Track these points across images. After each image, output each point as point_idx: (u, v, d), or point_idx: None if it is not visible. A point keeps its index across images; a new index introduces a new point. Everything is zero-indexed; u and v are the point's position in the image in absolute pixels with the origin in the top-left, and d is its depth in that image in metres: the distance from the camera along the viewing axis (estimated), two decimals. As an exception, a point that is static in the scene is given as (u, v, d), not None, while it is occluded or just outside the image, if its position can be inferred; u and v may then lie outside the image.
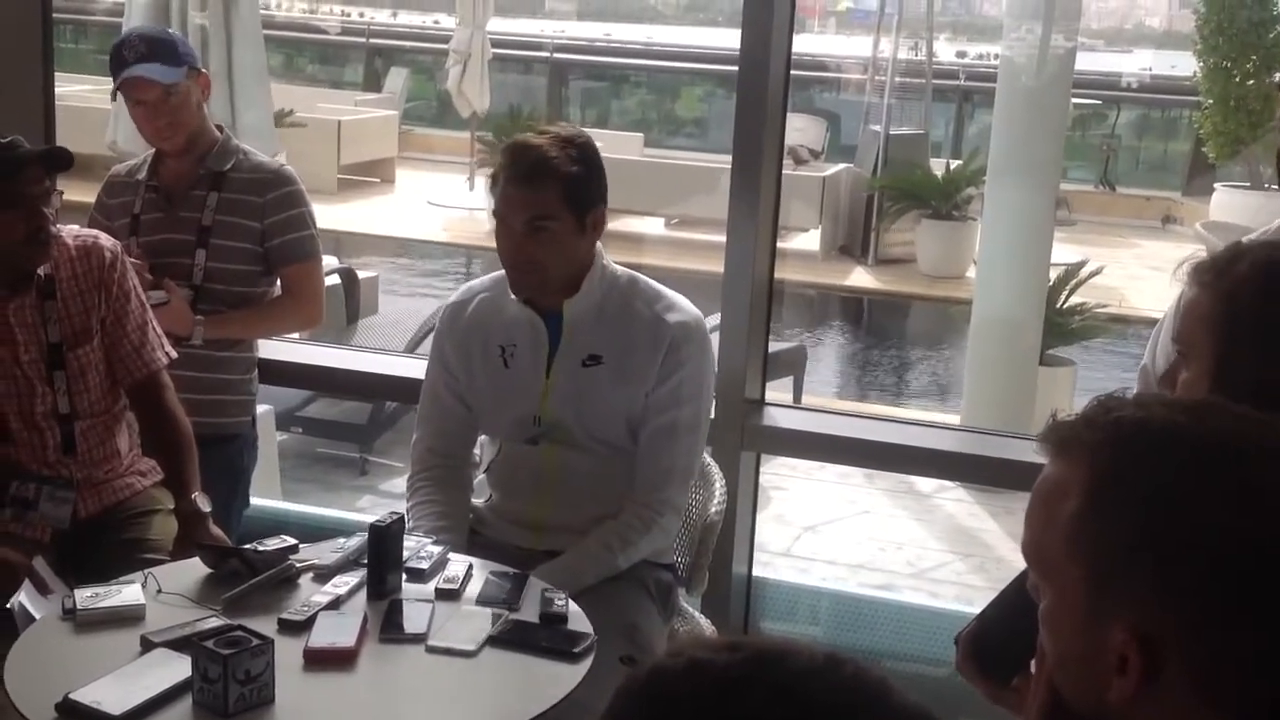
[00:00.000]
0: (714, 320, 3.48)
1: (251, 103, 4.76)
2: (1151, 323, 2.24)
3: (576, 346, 2.65)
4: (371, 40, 17.78)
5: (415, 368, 3.47)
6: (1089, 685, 1.12)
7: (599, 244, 2.68)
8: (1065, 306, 7.02)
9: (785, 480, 5.94)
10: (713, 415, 3.12)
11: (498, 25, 13.54)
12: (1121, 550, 1.09)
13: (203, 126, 3.26)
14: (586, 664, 2.14)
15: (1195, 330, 1.61)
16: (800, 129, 12.30)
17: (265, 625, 2.11)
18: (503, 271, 2.67)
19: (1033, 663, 1.23)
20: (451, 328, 2.77)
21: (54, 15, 3.87)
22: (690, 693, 0.93)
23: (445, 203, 12.55)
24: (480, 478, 2.82)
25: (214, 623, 2.12)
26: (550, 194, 2.55)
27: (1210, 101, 12.19)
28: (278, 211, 3.23)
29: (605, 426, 2.66)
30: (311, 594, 2.28)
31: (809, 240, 11.35)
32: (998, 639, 1.64)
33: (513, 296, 2.66)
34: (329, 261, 6.57)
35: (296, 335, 3.86)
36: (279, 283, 3.32)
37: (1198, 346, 1.61)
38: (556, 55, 16.73)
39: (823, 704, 0.92)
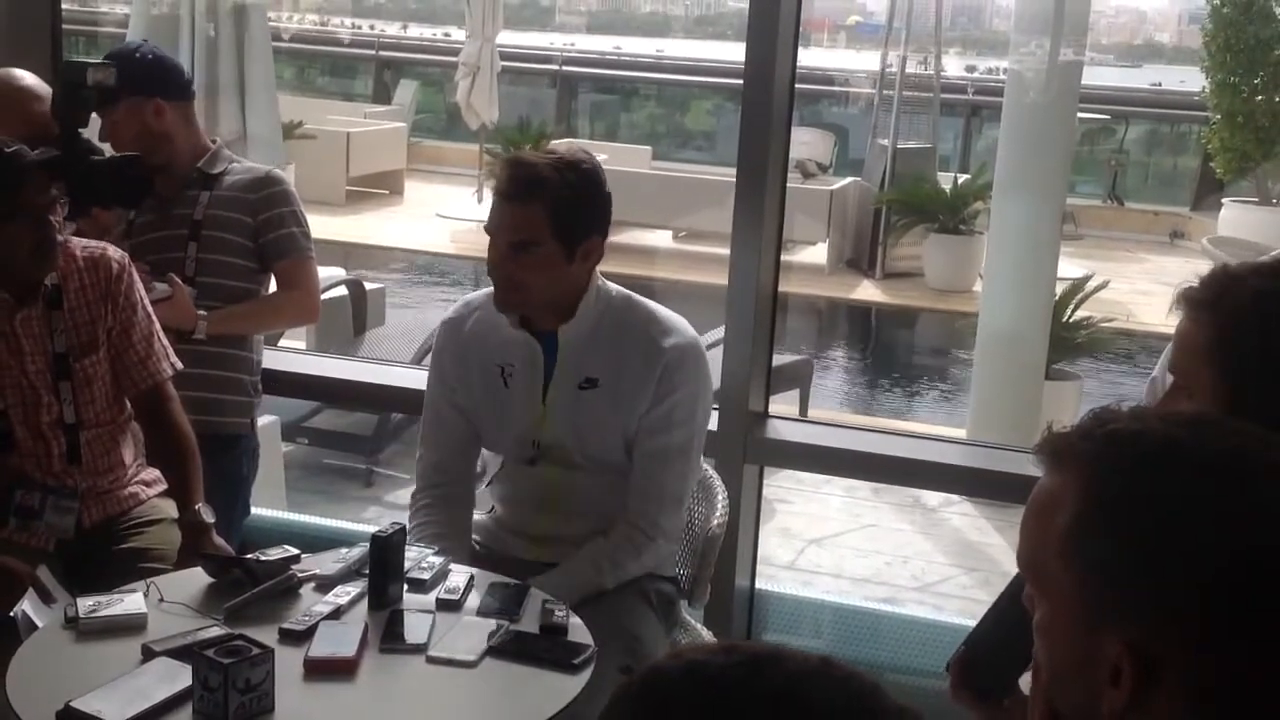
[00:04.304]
0: (718, 333, 3.49)
1: (259, 114, 4.88)
2: (1158, 337, 2.24)
3: (572, 370, 2.63)
4: (381, 53, 17.82)
5: (422, 379, 3.46)
6: (1084, 698, 1.11)
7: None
8: (1071, 320, 7.01)
9: (791, 493, 5.94)
10: (715, 428, 3.12)
11: (507, 38, 13.57)
12: (1114, 563, 1.08)
13: (188, 141, 3.28)
14: (586, 675, 2.14)
15: (1193, 364, 1.59)
16: (808, 143, 12.32)
17: (266, 635, 2.11)
18: None
19: (1020, 681, 1.23)
20: (450, 342, 2.76)
21: (63, 27, 3.89)
22: (687, 695, 0.93)
23: (453, 214, 12.57)
24: (483, 489, 2.82)
25: (215, 632, 2.13)
26: (536, 215, 2.50)
27: (1218, 117, 12.19)
28: (270, 208, 3.26)
29: (603, 448, 2.64)
30: (313, 604, 2.29)
31: (816, 254, 11.34)
32: (986, 661, 1.64)
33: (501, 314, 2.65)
34: (336, 272, 6.60)
35: (303, 345, 3.87)
36: (274, 283, 3.34)
37: (1200, 380, 1.58)
38: (566, 68, 16.76)
39: (818, 705, 0.92)
